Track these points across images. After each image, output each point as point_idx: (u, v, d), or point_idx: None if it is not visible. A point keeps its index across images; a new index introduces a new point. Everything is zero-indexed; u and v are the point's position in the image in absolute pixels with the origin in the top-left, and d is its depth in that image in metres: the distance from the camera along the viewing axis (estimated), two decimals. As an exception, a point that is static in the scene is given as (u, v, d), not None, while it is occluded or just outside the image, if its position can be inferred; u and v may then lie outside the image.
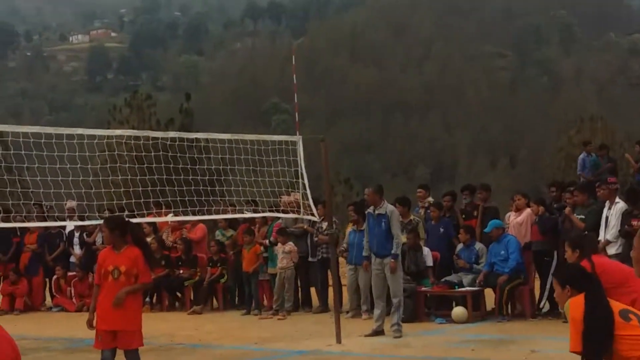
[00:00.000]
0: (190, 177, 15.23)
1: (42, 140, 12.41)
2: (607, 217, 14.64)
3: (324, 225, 16.62)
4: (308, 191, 14.96)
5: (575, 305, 5.95)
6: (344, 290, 17.38)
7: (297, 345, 13.44)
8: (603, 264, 8.41)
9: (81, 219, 15.38)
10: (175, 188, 14.73)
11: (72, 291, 19.74)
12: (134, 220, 11.09)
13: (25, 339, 13.94)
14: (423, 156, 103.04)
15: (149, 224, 18.40)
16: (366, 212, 14.70)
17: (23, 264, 19.90)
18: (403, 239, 14.71)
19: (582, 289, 6.07)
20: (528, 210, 15.97)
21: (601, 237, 14.28)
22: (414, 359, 12.12)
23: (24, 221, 16.61)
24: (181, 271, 19.09)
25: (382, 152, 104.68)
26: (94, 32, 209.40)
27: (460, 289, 15.71)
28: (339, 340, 13.26)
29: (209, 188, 15.80)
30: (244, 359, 12.91)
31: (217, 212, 16.28)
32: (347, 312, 16.63)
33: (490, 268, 15.67)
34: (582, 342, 5.74)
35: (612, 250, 14.21)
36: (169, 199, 14.59)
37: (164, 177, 14.71)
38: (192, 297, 19.14)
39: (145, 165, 14.60)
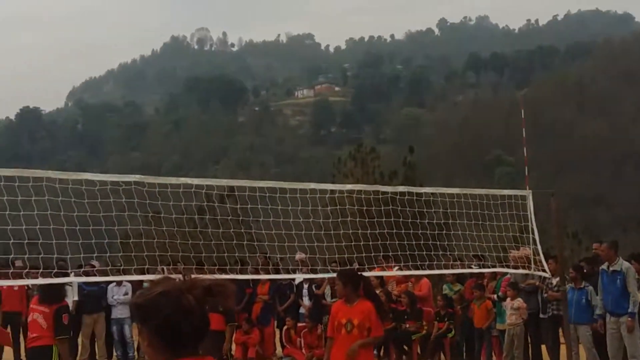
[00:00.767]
0: (412, 232, 15.22)
1: (267, 194, 12.80)
2: None
3: (554, 281, 16.12)
4: (539, 246, 14.61)
5: None
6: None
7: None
8: None
9: (312, 271, 15.69)
10: (397, 242, 14.73)
11: (302, 342, 20.08)
12: (364, 274, 11.19)
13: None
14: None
15: (377, 277, 18.50)
16: (600, 268, 14.14)
17: (255, 314, 20.47)
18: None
19: None
20: None
21: None
22: None
23: (256, 273, 17.11)
24: (407, 325, 19.02)
25: (612, 205, 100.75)
26: (318, 86, 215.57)
27: None
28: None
29: (430, 242, 15.74)
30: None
31: (446, 267, 16.16)
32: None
33: None
34: None
35: None
36: (398, 252, 14.59)
37: (385, 231, 14.79)
38: (419, 351, 19.00)
39: (367, 219, 14.76)
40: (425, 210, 17.00)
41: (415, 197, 14.48)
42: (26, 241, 11.97)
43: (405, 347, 19.39)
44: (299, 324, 20.29)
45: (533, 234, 14.44)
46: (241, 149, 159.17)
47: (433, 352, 18.70)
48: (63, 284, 10.73)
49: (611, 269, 13.45)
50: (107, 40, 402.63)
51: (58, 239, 11.87)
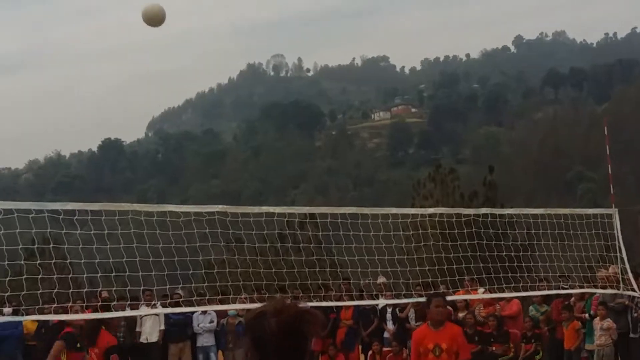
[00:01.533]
0: (497, 254, 15.04)
1: (349, 221, 12.77)
2: None
3: (645, 300, 15.73)
4: (627, 265, 14.30)
5: None
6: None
7: None
8: None
9: (395, 295, 15.61)
10: (482, 265, 14.59)
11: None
12: (449, 298, 11.10)
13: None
14: None
15: (465, 300, 18.32)
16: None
17: (339, 339, 20.41)
18: None
19: None
20: None
21: None
22: None
23: (340, 299, 17.07)
24: (494, 347, 18.75)
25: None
26: (394, 108, 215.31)
27: None
28: None
29: (515, 264, 15.53)
30: None
31: (532, 288, 15.90)
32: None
33: None
34: None
35: None
36: (483, 275, 14.44)
37: (469, 254, 14.65)
38: (506, 374, 18.69)
39: (450, 243, 14.62)
40: (508, 231, 16.85)
41: (498, 219, 14.34)
42: (113, 274, 12.17)
43: (493, 371, 19.11)
44: (384, 349, 20.17)
45: (620, 252, 14.18)
46: (319, 173, 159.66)
47: (521, 374, 18.37)
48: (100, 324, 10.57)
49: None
50: (185, 70, 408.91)
51: (144, 270, 12.02)
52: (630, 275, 14.41)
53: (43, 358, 20.04)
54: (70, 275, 12.07)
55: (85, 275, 11.86)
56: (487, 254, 14.64)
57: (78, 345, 12.64)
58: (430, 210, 15.61)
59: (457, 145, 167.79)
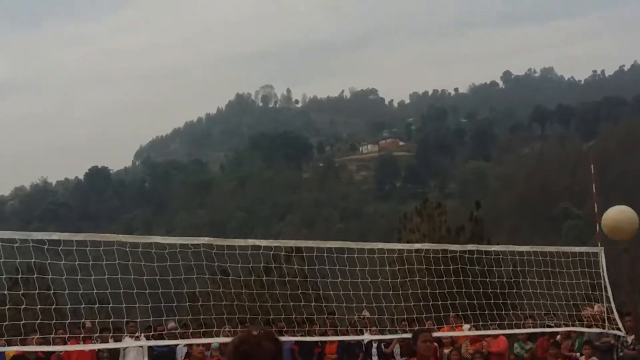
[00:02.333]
0: (482, 290, 15.02)
1: (335, 255, 12.77)
2: None
3: (630, 339, 15.70)
4: (613, 304, 14.30)
5: None
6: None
7: None
8: None
9: (380, 331, 15.56)
10: (467, 301, 14.57)
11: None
12: (435, 334, 11.05)
13: None
14: None
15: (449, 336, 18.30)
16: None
17: (325, 374, 20.31)
18: None
19: None
20: None
21: None
22: None
23: (325, 333, 17.00)
24: (479, 384, 18.68)
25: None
26: (382, 141, 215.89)
27: None
28: None
29: (501, 301, 15.52)
30: None
31: (518, 326, 15.87)
32: None
33: None
34: None
35: None
36: (468, 312, 14.42)
37: (455, 290, 14.63)
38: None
39: (436, 278, 14.61)
40: (494, 268, 16.81)
41: (484, 255, 14.32)
42: (97, 305, 12.09)
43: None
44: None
45: (606, 291, 14.17)
46: (306, 204, 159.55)
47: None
48: None
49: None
50: (174, 99, 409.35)
51: (128, 301, 11.94)
52: (616, 314, 14.41)
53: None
54: (54, 306, 11.97)
55: (69, 306, 11.78)
56: (472, 290, 14.62)
57: None
58: (417, 246, 15.58)
59: (444, 179, 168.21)
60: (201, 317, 12.42)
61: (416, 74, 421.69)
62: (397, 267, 14.25)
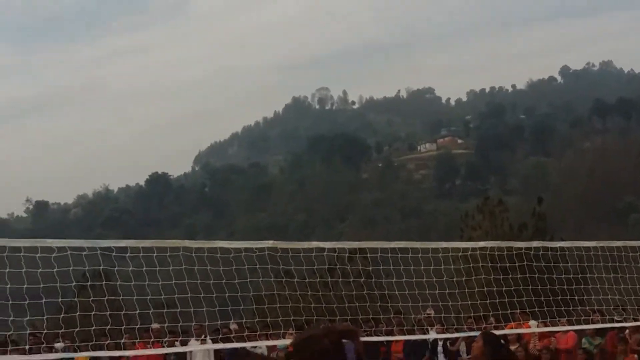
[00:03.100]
0: (549, 287, 14.87)
1: (399, 255, 12.72)
2: None
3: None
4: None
5: None
6: None
7: None
8: None
9: (446, 329, 15.48)
10: (534, 298, 14.42)
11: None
12: (502, 332, 10.94)
13: None
14: None
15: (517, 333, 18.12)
16: None
17: (391, 372, 20.26)
18: None
19: None
20: None
21: None
22: None
23: (390, 333, 16.97)
24: (548, 381, 18.47)
25: None
26: (441, 140, 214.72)
27: None
28: None
29: (568, 296, 15.34)
30: None
31: (585, 321, 15.65)
32: None
33: None
34: None
35: None
36: (535, 309, 14.27)
37: (521, 287, 14.48)
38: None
39: (502, 276, 14.48)
40: (560, 264, 16.64)
41: (550, 251, 14.17)
42: (165, 310, 12.23)
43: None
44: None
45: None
46: (366, 205, 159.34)
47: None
48: None
49: None
50: (231, 104, 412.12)
51: (194, 305, 12.06)
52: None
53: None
54: (123, 312, 12.16)
55: (137, 311, 11.93)
56: (539, 287, 14.47)
57: None
58: (482, 244, 15.43)
59: (504, 176, 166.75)
60: (268, 319, 12.50)
61: (472, 72, 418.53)
62: (461, 266, 14.17)
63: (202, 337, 18.60)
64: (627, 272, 14.78)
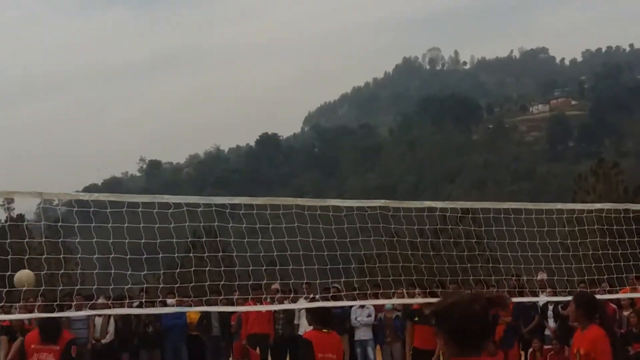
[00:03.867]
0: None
1: (512, 216, 12.55)
2: None
3: None
4: None
5: None
6: None
7: None
8: None
9: (556, 292, 15.25)
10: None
11: (563, 363, 19.38)
12: (615, 296, 10.75)
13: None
14: None
15: (630, 298, 17.73)
16: None
17: (498, 336, 20.08)
18: None
19: None
20: None
21: None
22: None
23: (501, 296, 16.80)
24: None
25: None
26: (554, 101, 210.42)
27: None
28: None
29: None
30: None
31: None
32: None
33: None
34: None
35: None
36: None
37: (638, 251, 14.14)
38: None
39: (617, 239, 14.15)
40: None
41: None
42: (277, 267, 12.41)
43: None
44: (545, 347, 19.72)
45: None
46: (476, 167, 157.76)
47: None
48: (59, 318, 10.54)
49: None
50: (341, 65, 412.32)
51: (305, 263, 12.20)
52: None
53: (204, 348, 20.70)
54: (236, 268, 12.39)
55: (250, 267, 12.13)
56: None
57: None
58: (598, 206, 15.08)
59: (620, 138, 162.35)
60: (379, 278, 12.54)
61: (588, 31, 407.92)
62: (576, 228, 13.91)
63: (311, 295, 18.84)
64: None
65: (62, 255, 11.67)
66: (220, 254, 14.04)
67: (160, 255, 11.85)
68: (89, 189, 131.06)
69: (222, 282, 11.90)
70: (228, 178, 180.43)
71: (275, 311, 19.99)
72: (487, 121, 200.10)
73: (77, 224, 11.52)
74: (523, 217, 12.71)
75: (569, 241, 14.16)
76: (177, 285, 12.78)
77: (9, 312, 12.76)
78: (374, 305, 20.14)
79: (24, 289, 11.58)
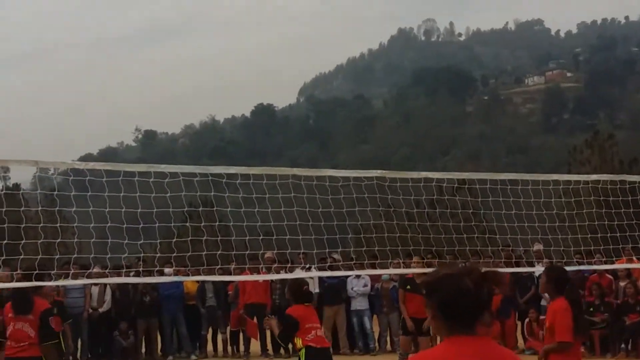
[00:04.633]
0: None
1: (508, 187, 12.58)
2: None
3: None
4: None
5: None
6: None
7: None
8: None
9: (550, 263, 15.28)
10: (638, 233, 14.10)
11: (544, 334, 19.53)
12: (611, 267, 10.78)
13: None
14: None
15: (627, 269, 17.84)
16: None
17: (495, 307, 20.17)
18: None
19: None
20: None
21: None
22: None
23: (495, 266, 16.87)
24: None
25: None
26: (549, 73, 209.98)
27: None
28: None
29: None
30: None
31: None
32: None
33: None
34: None
35: None
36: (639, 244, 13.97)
37: (634, 222, 14.18)
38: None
39: (614, 210, 14.18)
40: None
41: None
42: (274, 237, 12.41)
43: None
44: (541, 317, 19.81)
45: None
46: (470, 139, 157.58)
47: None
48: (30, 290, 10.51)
49: None
50: (336, 36, 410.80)
51: (302, 233, 12.21)
52: None
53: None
54: (233, 238, 12.40)
55: (247, 237, 12.14)
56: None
57: None
58: (594, 177, 15.09)
59: (614, 111, 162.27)
60: (375, 248, 12.57)
61: (583, 3, 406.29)
62: (572, 199, 13.92)
63: (308, 265, 18.91)
64: None
65: (59, 224, 11.65)
66: (217, 223, 13.98)
67: (157, 224, 11.85)
68: (84, 158, 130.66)
69: (219, 252, 11.88)
70: (223, 149, 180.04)
71: (272, 281, 20.07)
72: (482, 93, 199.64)
73: (73, 193, 11.51)
74: (519, 189, 12.73)
75: (564, 212, 14.22)
76: (174, 254, 12.77)
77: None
78: (371, 276, 20.24)
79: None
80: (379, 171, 11.97)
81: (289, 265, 17.38)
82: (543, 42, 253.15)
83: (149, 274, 13.05)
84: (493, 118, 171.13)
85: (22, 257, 10.39)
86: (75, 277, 14.57)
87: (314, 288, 20.65)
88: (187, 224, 14.44)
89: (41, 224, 10.62)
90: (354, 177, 12.07)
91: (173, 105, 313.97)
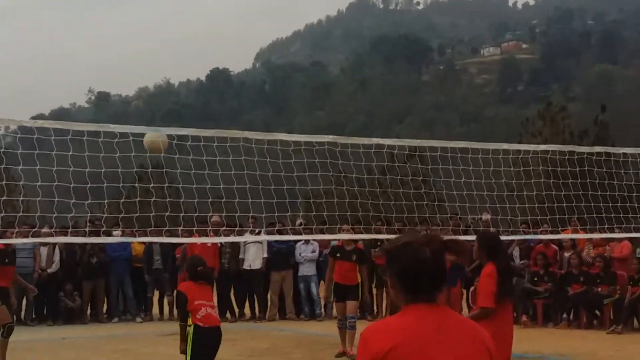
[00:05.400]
0: (608, 193, 14.72)
1: (459, 155, 12.63)
2: None
3: None
4: None
5: None
6: None
7: None
8: None
9: (503, 233, 15.44)
10: (593, 204, 14.31)
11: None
12: (557, 237, 10.91)
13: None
14: None
15: (572, 239, 18.06)
16: None
17: (443, 275, 20.37)
18: None
19: None
20: None
21: None
22: None
23: (445, 233, 17.02)
24: (599, 289, 18.46)
25: None
26: (505, 44, 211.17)
27: None
28: None
29: (628, 204, 15.17)
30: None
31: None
32: None
33: None
34: None
35: None
36: (594, 215, 14.14)
37: (581, 192, 14.36)
38: (611, 316, 18.39)
39: (561, 180, 14.35)
40: (622, 171, 16.32)
41: (612, 158, 13.96)
42: (223, 200, 12.36)
43: (597, 312, 18.84)
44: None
45: None
46: (425, 107, 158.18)
47: (626, 317, 18.04)
48: None
49: None
50: (294, 1, 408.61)
51: (252, 197, 12.18)
52: None
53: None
54: (182, 200, 12.34)
55: (196, 200, 12.11)
56: (599, 193, 14.33)
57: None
58: (543, 147, 15.24)
59: (568, 83, 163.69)
60: (325, 214, 12.59)
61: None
62: (521, 168, 14.05)
63: (256, 230, 18.91)
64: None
65: (4, 182, 11.49)
66: (166, 185, 13.90)
67: (105, 184, 11.76)
68: (35, 118, 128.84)
69: (167, 214, 11.83)
70: (177, 112, 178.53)
71: (221, 245, 20.04)
72: (438, 62, 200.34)
73: (20, 151, 11.36)
74: (470, 157, 12.82)
75: (514, 182, 14.33)
76: (122, 215, 12.68)
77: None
78: (319, 241, 20.29)
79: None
80: (330, 136, 11.97)
81: (238, 228, 17.36)
82: (500, 13, 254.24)
83: (97, 234, 12.95)
84: (448, 87, 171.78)
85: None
86: (24, 236, 14.42)
87: (263, 253, 20.69)
88: (136, 185, 14.32)
89: (-14, 181, 10.46)
90: (305, 141, 12.06)
91: (128, 68, 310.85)
